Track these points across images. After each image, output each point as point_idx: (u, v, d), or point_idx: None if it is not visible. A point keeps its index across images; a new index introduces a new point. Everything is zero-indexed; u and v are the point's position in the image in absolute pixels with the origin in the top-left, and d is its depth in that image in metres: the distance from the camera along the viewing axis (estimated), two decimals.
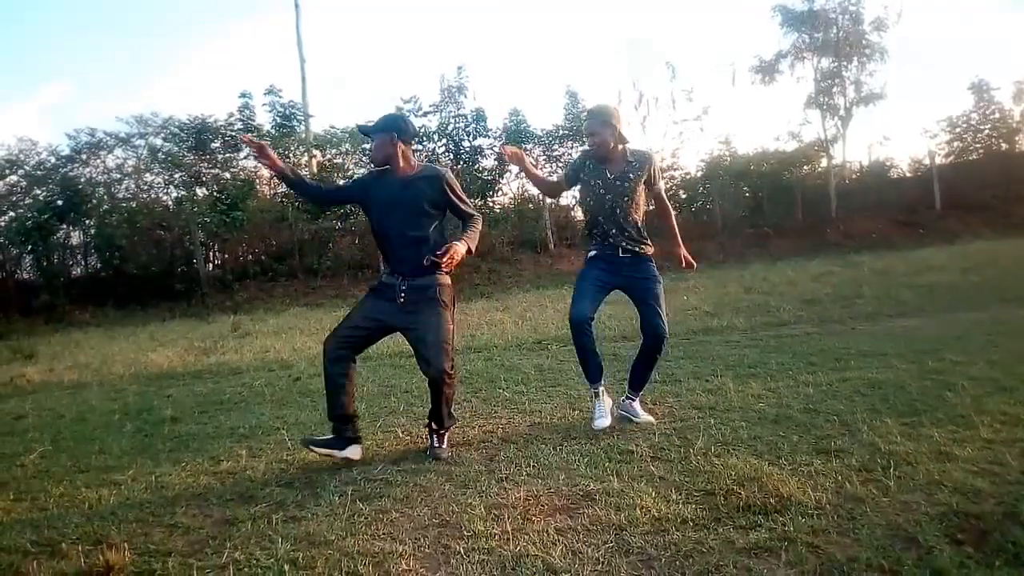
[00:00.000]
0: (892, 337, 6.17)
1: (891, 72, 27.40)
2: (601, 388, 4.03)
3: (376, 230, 3.85)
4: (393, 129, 3.75)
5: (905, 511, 2.57)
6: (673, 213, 4.24)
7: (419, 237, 3.69)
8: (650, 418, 4.06)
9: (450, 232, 3.87)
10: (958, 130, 20.95)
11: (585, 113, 4.31)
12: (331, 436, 3.72)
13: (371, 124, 3.82)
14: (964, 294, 8.44)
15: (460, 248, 3.65)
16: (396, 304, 3.69)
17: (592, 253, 4.11)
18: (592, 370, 4.02)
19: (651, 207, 4.30)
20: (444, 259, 3.59)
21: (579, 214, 20.18)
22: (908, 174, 21.22)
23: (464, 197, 3.88)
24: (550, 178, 4.35)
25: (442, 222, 3.85)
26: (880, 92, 20.32)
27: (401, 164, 3.77)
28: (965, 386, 4.21)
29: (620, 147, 4.02)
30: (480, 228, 3.88)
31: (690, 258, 4.26)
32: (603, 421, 3.93)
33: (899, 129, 43.10)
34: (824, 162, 20.51)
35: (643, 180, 4.02)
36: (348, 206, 13.57)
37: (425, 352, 3.62)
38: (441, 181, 3.76)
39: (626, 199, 3.98)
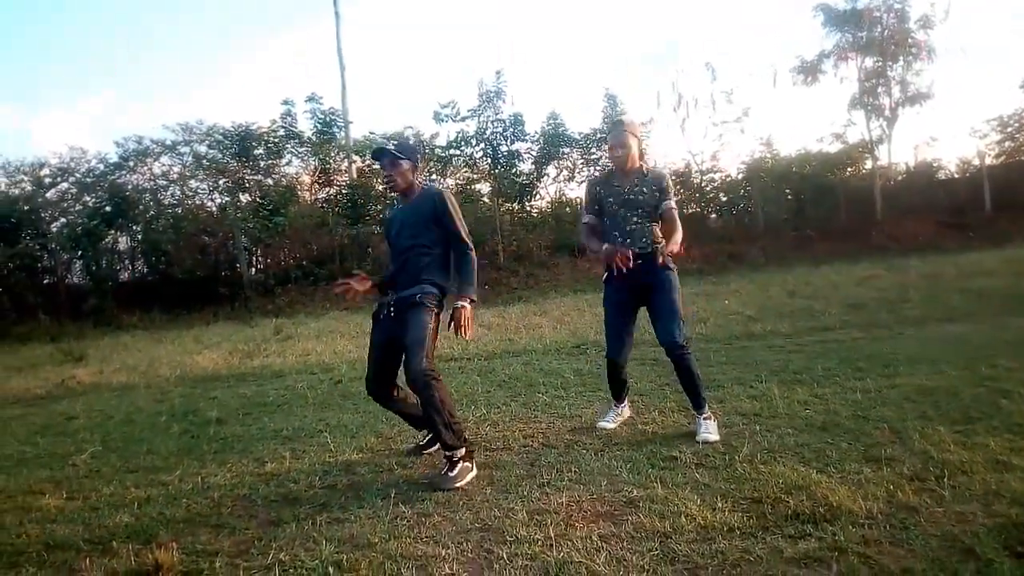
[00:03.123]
0: (942, 343, 6.01)
1: (938, 71, 26.75)
2: (624, 407, 4.27)
3: (390, 253, 3.87)
4: (415, 157, 3.78)
5: (961, 522, 2.49)
6: (680, 229, 3.97)
7: (420, 260, 3.65)
8: (714, 437, 3.73)
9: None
10: (1009, 129, 20.38)
11: (609, 125, 4.23)
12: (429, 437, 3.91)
13: (392, 150, 3.74)
14: (1017, 299, 8.19)
15: (465, 312, 3.52)
16: (388, 319, 3.68)
17: (606, 276, 4.10)
18: (617, 393, 4.25)
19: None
20: (460, 331, 3.50)
21: None
22: (956, 175, 20.69)
23: (459, 220, 3.72)
24: (593, 230, 4.21)
25: (443, 244, 3.72)
26: (927, 92, 19.85)
27: (414, 191, 3.78)
28: (1021, 393, 4.07)
29: (639, 163, 4.04)
30: (475, 266, 3.72)
31: (672, 249, 3.99)
32: (606, 423, 4.13)
33: (947, 129, 42.08)
34: (869, 163, 20.13)
35: (658, 194, 3.99)
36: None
37: (404, 354, 3.50)
38: (437, 201, 3.69)
39: (640, 210, 3.97)
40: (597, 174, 4.13)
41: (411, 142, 3.83)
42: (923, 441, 3.36)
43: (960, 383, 4.48)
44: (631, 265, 3.75)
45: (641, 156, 4.05)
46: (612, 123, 4.17)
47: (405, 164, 3.72)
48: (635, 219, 3.97)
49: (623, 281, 3.93)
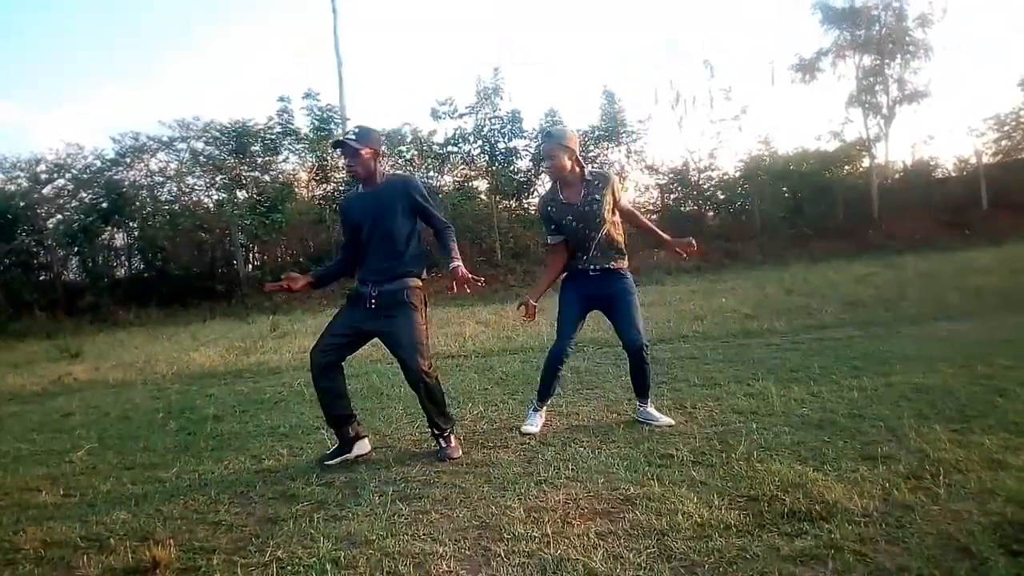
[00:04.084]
0: (938, 341, 6.02)
1: (936, 69, 26.78)
2: (543, 409, 4.24)
3: (356, 242, 3.89)
4: (377, 144, 3.82)
5: (957, 520, 2.49)
6: (642, 215, 4.22)
7: (394, 247, 3.73)
8: (669, 420, 4.08)
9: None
10: (1006, 128, 20.45)
11: (542, 136, 4.34)
12: (338, 445, 3.83)
13: (355, 136, 3.80)
14: (1013, 297, 8.19)
15: (461, 269, 3.67)
16: (369, 310, 3.73)
17: (565, 275, 4.20)
18: (546, 393, 4.21)
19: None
20: (463, 286, 3.68)
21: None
22: (953, 173, 20.77)
23: (433, 203, 3.88)
24: (552, 264, 4.29)
25: (417, 231, 3.84)
26: (924, 90, 19.97)
27: (377, 178, 3.83)
28: (1017, 392, 4.08)
29: (578, 170, 4.08)
30: (455, 241, 3.85)
31: (683, 241, 4.18)
32: (530, 427, 4.10)
33: (944, 128, 42.09)
34: (866, 162, 20.18)
35: (609, 197, 4.06)
36: None
37: (402, 355, 3.69)
38: (409, 188, 3.81)
39: (598, 220, 4.02)
40: (545, 192, 4.19)
41: (371, 130, 3.86)
42: (919, 439, 3.37)
43: (956, 381, 4.49)
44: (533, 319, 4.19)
45: (578, 163, 4.08)
46: (544, 134, 4.24)
47: (366, 152, 3.75)
48: (595, 235, 4.03)
49: (582, 283, 4.10)
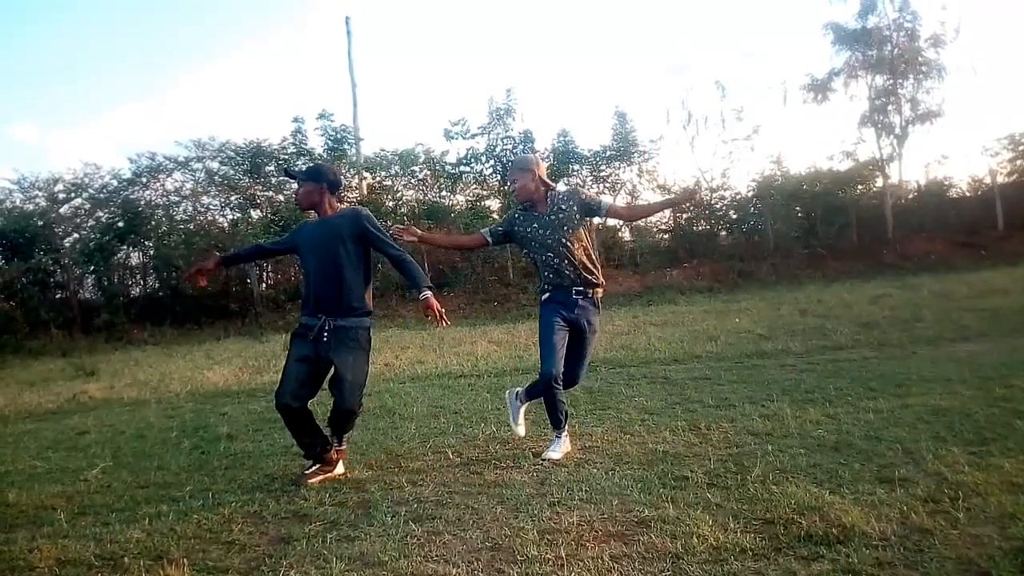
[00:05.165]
0: (955, 362, 5.96)
1: (949, 89, 26.68)
2: (564, 434, 4.15)
3: (305, 271, 4.11)
4: (323, 181, 4.05)
5: (976, 545, 2.46)
6: (635, 203, 4.38)
7: (341, 276, 3.87)
8: (521, 431, 4.35)
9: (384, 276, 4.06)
10: (1021, 147, 20.27)
11: (511, 164, 4.50)
12: (315, 464, 3.90)
13: (300, 172, 4.14)
14: None
15: (431, 301, 3.84)
16: (321, 343, 3.85)
17: (545, 296, 4.23)
18: (557, 419, 4.13)
19: (626, 227, 4.53)
20: (435, 319, 3.86)
21: (627, 234, 20.13)
22: (968, 194, 20.59)
23: (385, 234, 4.05)
24: (465, 236, 4.54)
25: (367, 266, 4.01)
26: (937, 110, 19.84)
27: (327, 211, 4.03)
28: None
29: (543, 190, 4.22)
30: (414, 263, 4.03)
31: (686, 194, 4.33)
32: (553, 454, 4.01)
33: (958, 147, 41.79)
34: (879, 182, 20.06)
35: (577, 210, 4.19)
36: None
37: (341, 388, 3.83)
38: (359, 217, 3.98)
39: (566, 229, 4.13)
40: (517, 205, 4.32)
41: (322, 169, 4.20)
42: (937, 462, 3.33)
43: (974, 403, 4.44)
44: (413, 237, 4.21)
45: (544, 184, 4.23)
46: (512, 162, 4.45)
47: (311, 186, 4.03)
48: (565, 242, 4.11)
49: (564, 304, 4.14)
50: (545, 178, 4.25)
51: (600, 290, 4.26)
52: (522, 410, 4.40)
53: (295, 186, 4.14)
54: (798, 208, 19.64)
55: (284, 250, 4.21)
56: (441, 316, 3.86)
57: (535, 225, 4.17)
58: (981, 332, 7.54)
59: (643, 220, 16.47)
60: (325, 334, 3.84)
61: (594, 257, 4.28)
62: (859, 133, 20.63)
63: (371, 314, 4.00)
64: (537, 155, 4.49)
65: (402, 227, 4.28)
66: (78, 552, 2.98)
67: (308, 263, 4.00)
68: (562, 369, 4.09)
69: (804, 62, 41.40)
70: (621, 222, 17.12)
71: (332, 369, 3.91)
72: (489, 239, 4.40)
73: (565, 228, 4.12)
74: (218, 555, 2.88)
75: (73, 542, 3.12)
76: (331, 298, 3.87)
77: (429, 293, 3.85)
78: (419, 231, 4.33)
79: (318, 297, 3.92)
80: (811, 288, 14.23)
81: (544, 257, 4.15)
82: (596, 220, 4.78)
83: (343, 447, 4.04)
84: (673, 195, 4.14)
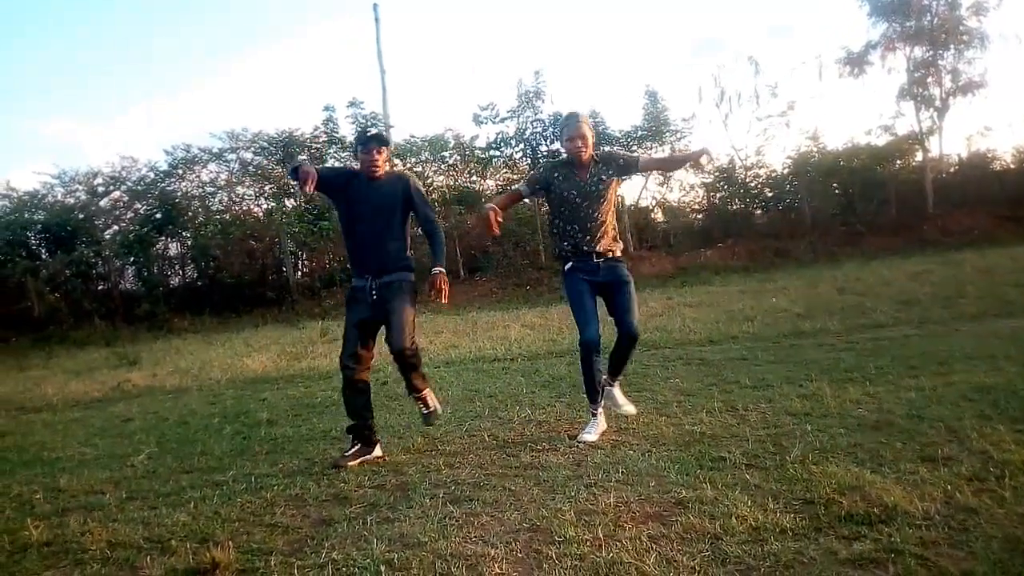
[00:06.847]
0: (999, 339, 5.83)
1: (992, 59, 25.89)
2: (600, 409, 4.13)
3: (348, 230, 4.14)
4: (390, 144, 4.19)
5: (1023, 523, 2.41)
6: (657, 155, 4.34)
7: (387, 240, 4.01)
8: (631, 409, 4.28)
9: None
10: None
11: (562, 119, 4.38)
12: (356, 444, 3.98)
13: (384, 137, 4.26)
14: None
15: (443, 277, 3.97)
16: (370, 303, 3.98)
17: (569, 265, 4.19)
18: (594, 392, 4.12)
19: (667, 179, 4.49)
20: (438, 295, 3.96)
21: (659, 215, 19.95)
22: (1012, 165, 20.02)
23: (427, 201, 4.21)
24: (504, 197, 4.51)
25: (407, 226, 4.13)
26: (980, 80, 19.30)
27: (382, 174, 4.07)
28: None
29: (591, 154, 4.17)
30: (444, 239, 4.17)
31: (698, 153, 4.25)
32: (588, 436, 3.98)
33: (1002, 118, 40.58)
34: (919, 156, 19.60)
35: (615, 178, 4.18)
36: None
37: (391, 329, 3.94)
38: (409, 186, 4.08)
39: (602, 201, 4.12)
40: (553, 160, 4.28)
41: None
42: (982, 440, 3.27)
43: (1020, 380, 4.33)
44: (495, 231, 4.04)
45: (593, 147, 4.20)
46: (567, 115, 4.29)
47: (387, 152, 4.11)
48: (596, 215, 4.11)
49: (587, 272, 4.13)
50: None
51: (619, 250, 4.23)
52: (617, 391, 4.30)
53: (376, 153, 4.01)
54: (835, 185, 19.31)
55: (330, 188, 4.13)
56: (443, 293, 3.96)
57: (573, 192, 4.12)
58: None
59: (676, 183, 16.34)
60: (374, 294, 3.96)
61: (614, 222, 4.25)
62: (898, 107, 20.17)
63: (412, 269, 4.10)
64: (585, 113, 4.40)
65: (492, 211, 4.04)
66: (127, 535, 3.06)
67: (355, 224, 4.08)
68: (600, 334, 4.08)
69: (840, 36, 40.38)
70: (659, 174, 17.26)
71: (384, 320, 4.01)
72: (526, 191, 4.37)
73: (602, 200, 4.11)
74: (262, 537, 2.93)
75: (122, 525, 3.20)
76: (377, 259, 4.00)
77: (441, 269, 3.98)
78: (496, 207, 4.12)
79: (364, 259, 4.04)
80: (849, 266, 13.99)
81: (570, 227, 4.14)
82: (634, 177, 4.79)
83: (423, 392, 4.17)
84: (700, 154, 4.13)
